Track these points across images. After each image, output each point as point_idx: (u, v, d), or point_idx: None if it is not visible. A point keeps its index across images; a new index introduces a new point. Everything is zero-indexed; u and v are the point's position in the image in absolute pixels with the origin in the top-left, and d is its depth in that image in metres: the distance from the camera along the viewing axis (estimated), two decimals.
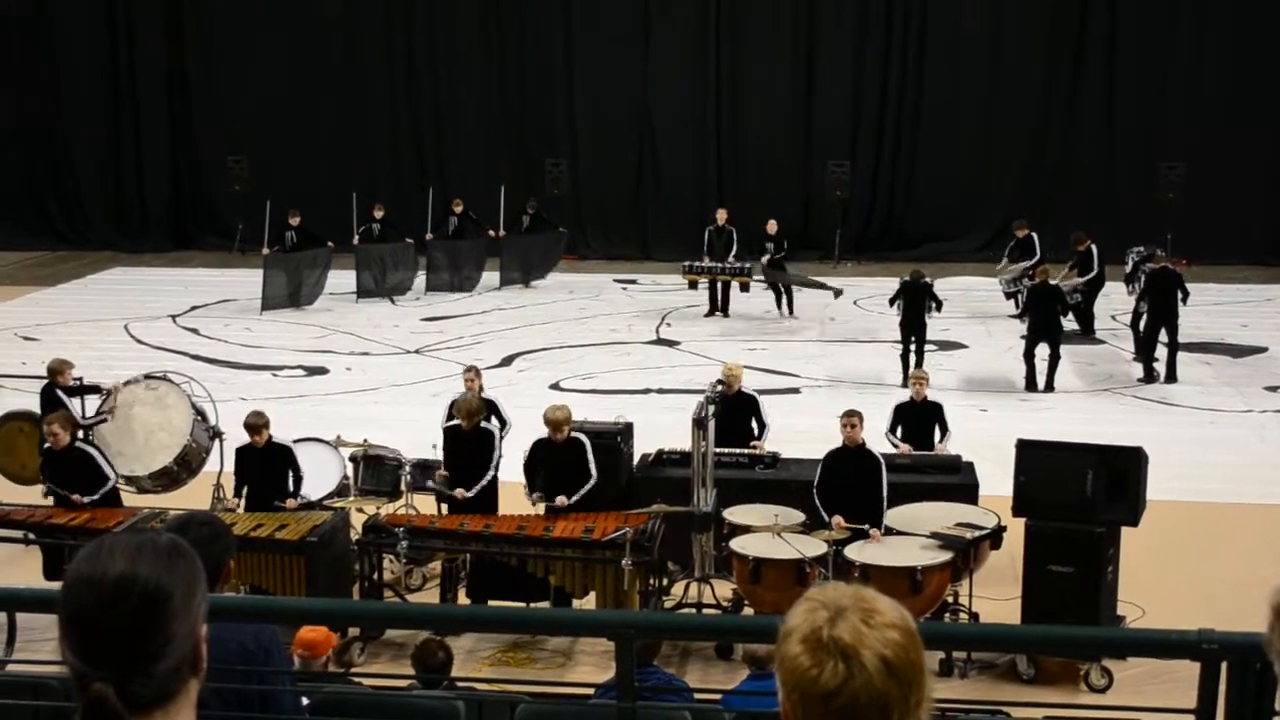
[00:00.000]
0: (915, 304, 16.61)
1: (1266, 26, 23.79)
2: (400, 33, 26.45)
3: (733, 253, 20.56)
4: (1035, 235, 19.96)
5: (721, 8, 25.43)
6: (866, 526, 9.80)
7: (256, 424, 10.62)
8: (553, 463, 10.40)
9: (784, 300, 20.66)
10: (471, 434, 10.57)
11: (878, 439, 11.27)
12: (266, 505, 10.43)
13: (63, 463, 10.36)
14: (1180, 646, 3.35)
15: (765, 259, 20.41)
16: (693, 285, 20.75)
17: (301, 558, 9.74)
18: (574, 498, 10.30)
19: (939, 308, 16.91)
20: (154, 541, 2.00)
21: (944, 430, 11.88)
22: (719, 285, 20.68)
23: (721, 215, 21.06)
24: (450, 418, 11.05)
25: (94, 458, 10.57)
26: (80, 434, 11.07)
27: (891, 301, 16.96)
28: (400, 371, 17.52)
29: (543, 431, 10.51)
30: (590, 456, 10.43)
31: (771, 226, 20.67)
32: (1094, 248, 18.79)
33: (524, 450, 10.92)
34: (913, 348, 16.45)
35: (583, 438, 10.52)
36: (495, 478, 10.68)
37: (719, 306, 20.71)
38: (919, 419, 11.90)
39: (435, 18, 26.19)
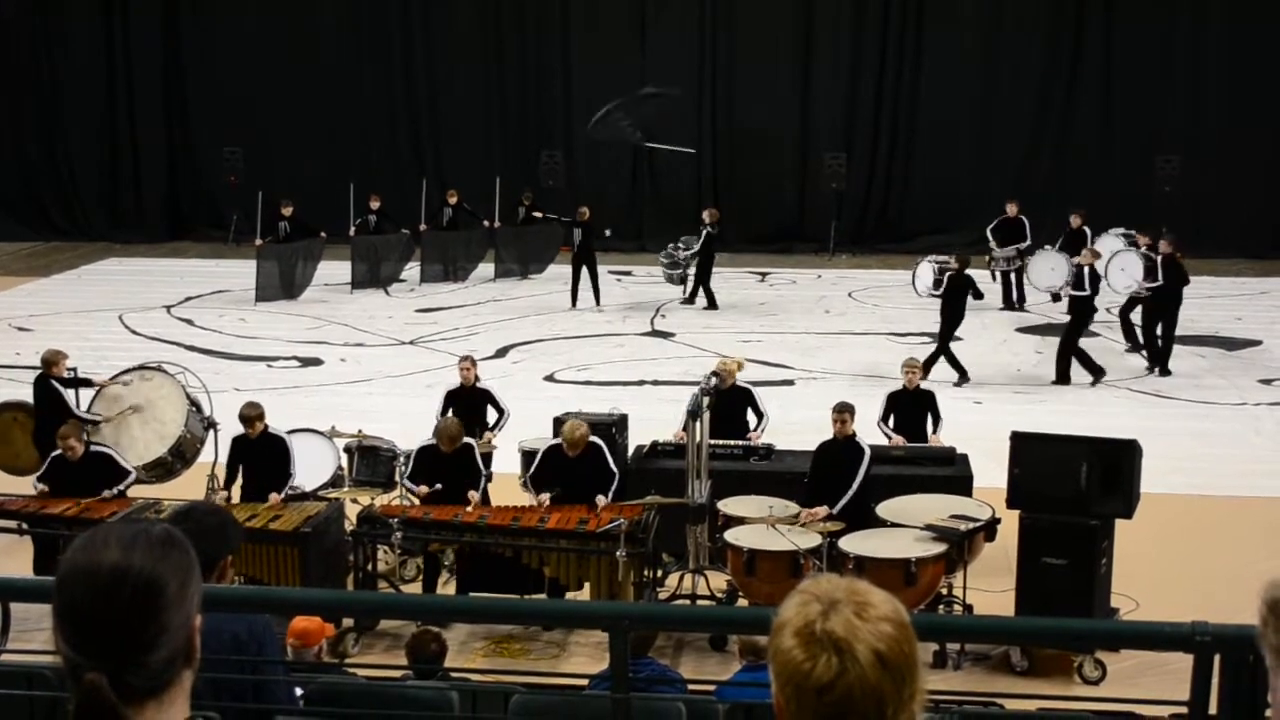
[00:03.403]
0: (959, 295, 16.42)
1: (1263, 21, 23.81)
2: (397, 23, 26.41)
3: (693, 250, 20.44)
4: (1025, 219, 20.31)
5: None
6: (822, 509, 9.85)
7: (251, 415, 10.58)
8: (572, 472, 10.29)
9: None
10: (452, 455, 10.48)
11: (871, 430, 11.28)
12: (261, 496, 10.42)
13: (80, 469, 10.29)
14: (1174, 639, 3.35)
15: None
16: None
17: (296, 548, 9.74)
18: (609, 495, 10.21)
19: (979, 297, 16.82)
20: (148, 532, 2.00)
21: (936, 419, 11.86)
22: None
23: (709, 215, 20.61)
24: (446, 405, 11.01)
25: (112, 457, 10.53)
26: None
27: (936, 290, 16.70)
28: (395, 362, 17.52)
29: (537, 427, 10.47)
30: (609, 458, 10.38)
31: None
32: (1087, 229, 19.16)
33: (519, 443, 10.90)
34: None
35: (598, 442, 10.44)
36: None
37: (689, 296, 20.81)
38: (911, 407, 11.91)
39: (432, 8, 26.16)
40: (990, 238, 20.66)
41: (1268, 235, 23.98)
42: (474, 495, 10.39)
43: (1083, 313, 16.33)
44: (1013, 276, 20.41)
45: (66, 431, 10.41)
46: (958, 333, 19.03)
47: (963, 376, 16.27)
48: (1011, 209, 20.48)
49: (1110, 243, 19.00)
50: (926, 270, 17.75)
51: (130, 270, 24.29)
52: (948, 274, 16.60)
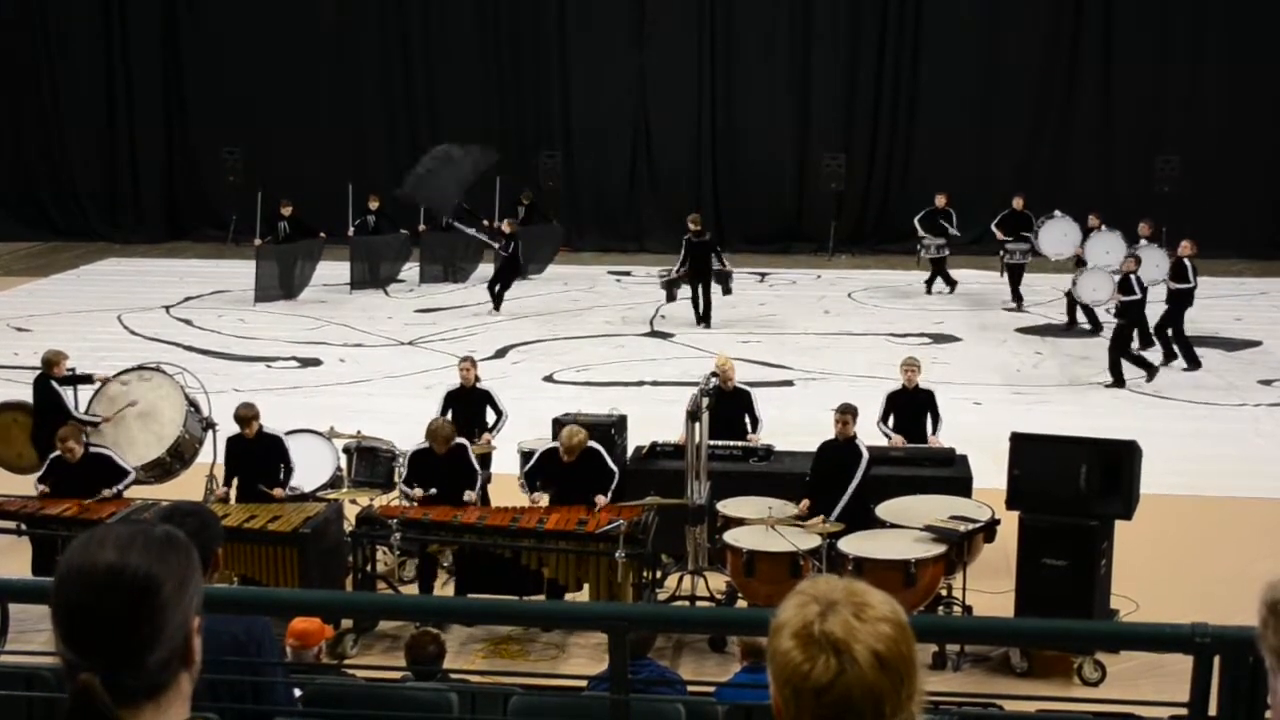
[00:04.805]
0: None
1: (1262, 21, 23.81)
2: (395, 24, 26.40)
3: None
4: (952, 211, 21.08)
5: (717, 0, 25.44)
6: (819, 518, 9.83)
7: (246, 415, 10.59)
8: (568, 477, 10.26)
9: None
10: (445, 456, 10.45)
11: (870, 431, 11.27)
12: (256, 496, 10.41)
13: (80, 470, 10.26)
14: (1173, 640, 3.35)
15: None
16: (671, 298, 19.89)
17: (294, 549, 9.73)
18: (608, 495, 10.18)
19: None
20: (147, 532, 1.99)
21: (935, 419, 11.86)
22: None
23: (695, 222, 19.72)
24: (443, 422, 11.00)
25: (110, 457, 10.52)
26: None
27: (1133, 294, 16.32)
28: (394, 363, 17.51)
29: (533, 426, 10.44)
30: (607, 459, 10.34)
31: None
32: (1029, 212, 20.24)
33: (518, 444, 10.88)
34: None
35: (595, 446, 10.38)
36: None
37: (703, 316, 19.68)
38: (910, 407, 11.91)
39: (431, 8, 26.16)
40: (918, 225, 21.32)
41: (1267, 235, 23.98)
42: (471, 495, 10.38)
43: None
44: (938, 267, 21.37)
45: (65, 434, 10.41)
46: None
47: (1152, 373, 16.29)
48: (940, 200, 21.24)
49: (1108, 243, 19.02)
50: (1104, 279, 17.17)
51: (129, 270, 24.29)
52: (1134, 275, 16.25)
